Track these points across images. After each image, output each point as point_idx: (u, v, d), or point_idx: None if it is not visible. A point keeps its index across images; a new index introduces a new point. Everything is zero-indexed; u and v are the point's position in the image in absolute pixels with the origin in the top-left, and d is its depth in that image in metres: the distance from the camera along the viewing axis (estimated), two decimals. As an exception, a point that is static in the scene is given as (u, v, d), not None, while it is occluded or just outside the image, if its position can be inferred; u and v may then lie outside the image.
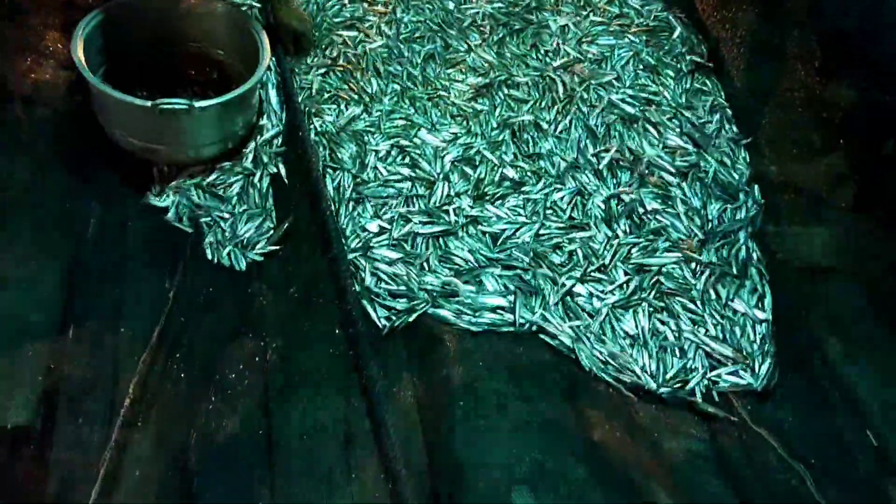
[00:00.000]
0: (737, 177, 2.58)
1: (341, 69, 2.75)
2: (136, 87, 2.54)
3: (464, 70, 2.83)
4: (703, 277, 2.30)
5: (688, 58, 2.94)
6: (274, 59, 2.62)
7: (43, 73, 2.31)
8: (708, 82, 2.88)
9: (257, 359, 1.96)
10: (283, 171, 2.44)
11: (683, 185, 2.53)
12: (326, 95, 2.67)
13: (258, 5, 2.89)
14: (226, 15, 2.53)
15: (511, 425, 1.88)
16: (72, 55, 2.22)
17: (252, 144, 2.49)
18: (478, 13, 3.03)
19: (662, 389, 2.05)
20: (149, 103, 2.17)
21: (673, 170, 2.56)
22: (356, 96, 2.68)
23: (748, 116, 2.70)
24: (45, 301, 1.95)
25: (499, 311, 2.16)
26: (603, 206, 2.45)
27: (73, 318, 1.94)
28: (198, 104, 2.22)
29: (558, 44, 2.94)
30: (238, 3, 2.81)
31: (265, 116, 2.57)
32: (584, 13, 3.08)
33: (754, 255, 2.39)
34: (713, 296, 2.27)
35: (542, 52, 2.92)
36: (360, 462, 1.80)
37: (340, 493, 1.74)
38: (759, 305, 2.27)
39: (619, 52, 2.94)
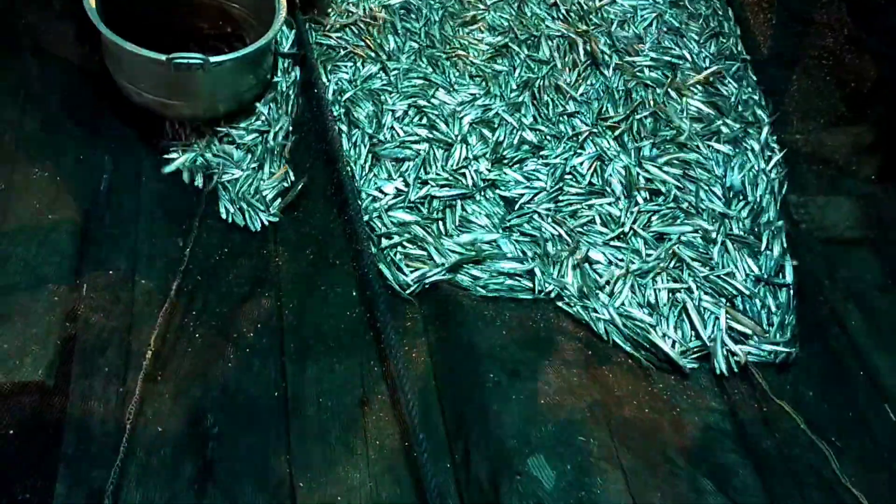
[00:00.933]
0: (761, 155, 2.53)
1: (358, 26, 2.69)
2: (148, 41, 2.50)
3: (483, 29, 2.76)
4: (723, 246, 2.26)
5: (712, 22, 2.87)
6: (289, 15, 2.55)
7: (55, 25, 2.25)
8: (733, 49, 2.81)
9: (273, 319, 1.93)
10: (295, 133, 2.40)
11: (706, 151, 2.48)
12: (343, 53, 2.61)
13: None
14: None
15: (528, 393, 1.86)
16: (83, 5, 2.16)
17: (266, 101, 2.44)
18: (498, -30, 2.95)
19: (682, 360, 2.02)
20: (163, 57, 2.12)
21: (698, 142, 2.51)
22: (373, 54, 2.62)
23: (773, 83, 2.64)
24: (59, 254, 1.92)
25: (516, 277, 2.13)
26: (623, 172, 2.40)
27: (86, 271, 1.91)
28: (213, 59, 2.16)
29: (580, 3, 2.86)
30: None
31: (280, 73, 2.51)
32: (607, -28, 3.00)
33: (778, 224, 2.35)
34: (733, 265, 2.24)
35: (563, 11, 2.85)
36: (376, 425, 1.78)
37: (356, 455, 1.72)
38: (781, 275, 2.24)
39: (642, 14, 2.87)
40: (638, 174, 2.40)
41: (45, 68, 2.19)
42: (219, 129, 2.35)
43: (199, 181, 2.23)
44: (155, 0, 2.46)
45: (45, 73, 2.25)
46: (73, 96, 2.22)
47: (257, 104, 2.42)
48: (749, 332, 2.09)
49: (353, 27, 2.68)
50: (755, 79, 2.72)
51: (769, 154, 2.51)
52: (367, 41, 2.64)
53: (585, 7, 2.85)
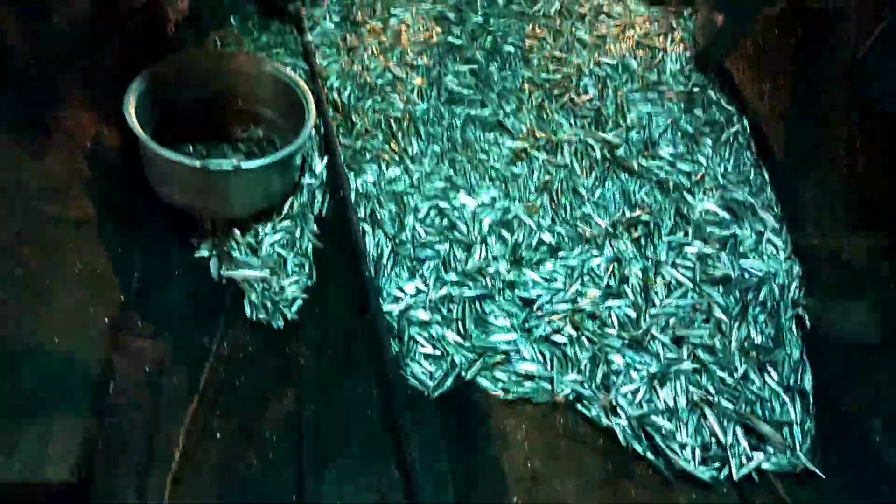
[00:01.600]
0: (777, 251, 2.57)
1: (383, 131, 2.80)
2: (184, 142, 2.63)
3: (503, 133, 2.86)
4: (742, 350, 2.28)
5: (726, 128, 2.96)
6: (319, 119, 2.67)
7: (99, 127, 2.37)
8: (747, 153, 2.88)
9: (294, 421, 1.96)
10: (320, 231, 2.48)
11: (722, 254, 2.52)
12: (368, 156, 2.71)
13: (304, 66, 2.98)
14: (273, 76, 2.59)
15: None
16: (123, 112, 2.28)
17: (294, 202, 2.53)
18: (518, 77, 3.08)
19: (701, 469, 2.01)
20: (198, 163, 2.22)
21: (715, 244, 2.56)
22: (397, 157, 2.72)
23: (787, 188, 2.70)
24: (89, 351, 1.97)
25: (536, 379, 2.15)
26: (640, 275, 2.44)
27: (115, 368, 1.96)
28: (244, 165, 2.26)
29: (599, 110, 2.97)
30: (286, 63, 2.90)
31: (307, 175, 2.61)
32: (623, 79, 3.11)
33: (794, 329, 2.37)
34: (752, 370, 2.24)
35: (581, 117, 2.95)
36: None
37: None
38: (800, 381, 2.24)
39: (657, 119, 2.96)
40: (655, 276, 2.44)
41: (87, 167, 2.29)
42: (247, 228, 2.43)
43: (226, 279, 2.29)
44: (192, 103, 2.60)
45: (87, 172, 2.35)
46: (111, 195, 2.31)
47: (285, 208, 2.50)
48: (769, 439, 2.09)
49: (378, 131, 2.79)
50: (770, 183, 2.78)
51: (786, 258, 2.55)
52: (392, 145, 2.75)
53: (603, 113, 2.95)
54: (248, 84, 2.64)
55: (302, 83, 2.56)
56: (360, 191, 2.60)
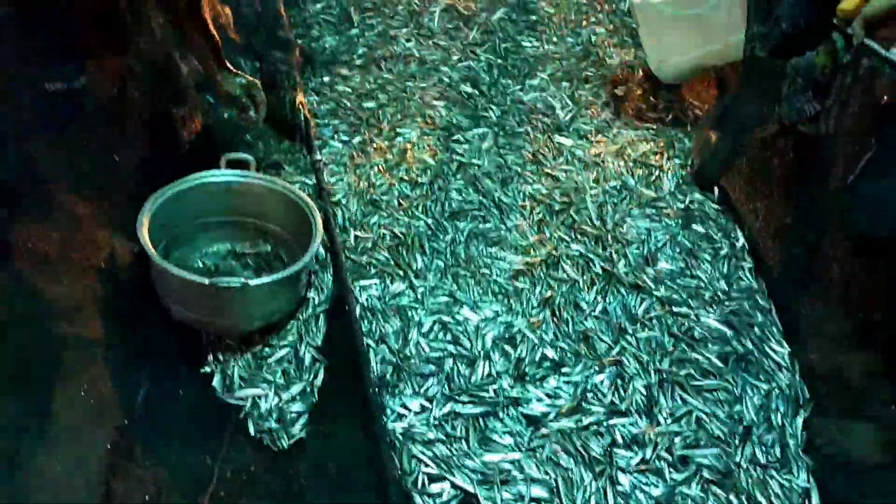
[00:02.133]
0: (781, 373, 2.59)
1: (388, 246, 2.86)
2: (193, 255, 2.69)
3: (505, 248, 2.93)
4: (748, 471, 2.26)
5: (724, 243, 3.02)
6: (326, 235, 2.74)
7: (112, 245, 2.43)
8: (745, 269, 2.94)
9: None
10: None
11: (724, 370, 2.53)
12: (373, 271, 2.77)
13: (311, 182, 3.08)
14: (282, 193, 2.68)
15: None
16: (137, 233, 2.35)
17: (299, 317, 2.56)
18: (519, 193, 3.17)
19: None
20: (206, 281, 2.27)
21: (716, 360, 2.58)
22: (401, 272, 2.77)
23: (786, 306, 2.74)
24: (90, 473, 1.95)
25: (542, 502, 2.13)
26: (644, 392, 2.45)
27: (116, 492, 1.94)
28: (252, 282, 2.31)
29: (598, 226, 3.04)
30: (295, 181, 3.00)
31: (313, 290, 2.66)
32: (622, 195, 3.20)
33: (800, 449, 2.35)
34: (758, 492, 2.22)
35: (581, 233, 3.02)
36: None
37: None
38: (807, 503, 2.22)
39: (656, 235, 3.03)
40: (659, 393, 2.45)
41: (100, 286, 2.33)
42: (253, 344, 2.46)
43: (230, 396, 2.31)
44: (197, 218, 2.68)
45: (100, 290, 2.39)
46: (122, 313, 2.34)
47: (291, 323, 2.54)
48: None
49: (383, 247, 2.86)
50: (768, 299, 2.82)
51: (788, 375, 2.56)
52: (396, 260, 2.81)
53: (603, 229, 3.02)
54: (258, 201, 2.73)
55: (310, 201, 2.64)
56: (365, 305, 2.64)
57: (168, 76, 2.91)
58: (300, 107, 3.32)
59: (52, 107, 2.31)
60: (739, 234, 3.07)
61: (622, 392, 2.46)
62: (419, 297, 2.69)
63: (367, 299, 2.66)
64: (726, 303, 2.78)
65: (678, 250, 2.98)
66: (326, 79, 3.72)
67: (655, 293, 2.78)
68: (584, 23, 4.32)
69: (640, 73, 3.85)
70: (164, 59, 2.92)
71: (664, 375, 2.50)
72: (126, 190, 2.51)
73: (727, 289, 2.85)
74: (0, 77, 2.26)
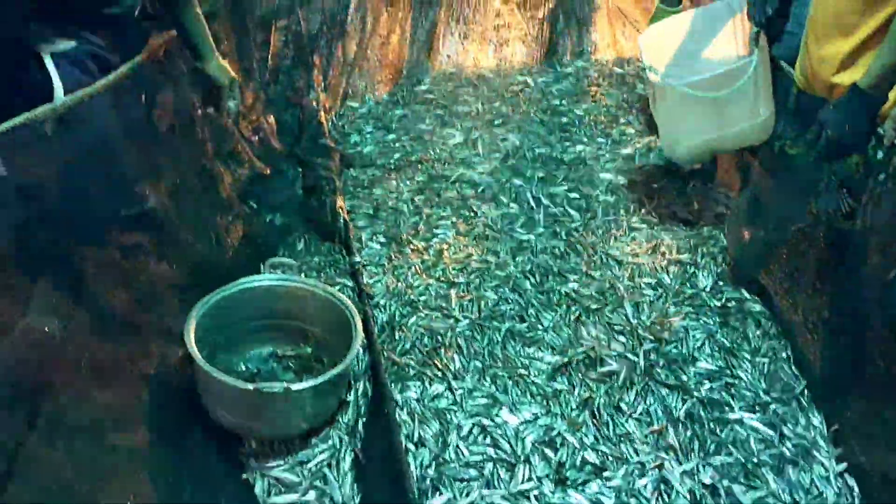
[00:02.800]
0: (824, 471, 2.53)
1: (426, 348, 2.90)
2: (237, 360, 2.75)
3: (543, 348, 2.94)
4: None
5: (763, 341, 3.00)
6: (365, 338, 2.78)
7: (162, 351, 2.50)
8: (786, 367, 2.90)
9: None
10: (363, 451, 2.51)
11: (769, 475, 2.48)
12: (412, 372, 2.79)
13: (350, 284, 3.15)
14: (323, 298, 2.74)
15: None
16: (184, 338, 2.42)
17: (339, 420, 2.58)
18: (555, 292, 3.20)
19: None
20: (249, 386, 2.31)
21: (761, 464, 2.52)
22: (440, 374, 2.79)
23: (831, 405, 2.69)
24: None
25: None
26: (689, 497, 2.40)
27: None
28: (294, 387, 2.35)
29: (635, 325, 3.05)
30: (335, 283, 3.08)
31: (353, 393, 2.68)
32: (658, 293, 3.21)
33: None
34: None
35: (618, 332, 3.03)
36: None
37: None
38: None
39: (694, 333, 3.02)
40: (703, 499, 2.39)
41: (148, 394, 2.39)
42: (294, 448, 2.48)
43: (273, 500, 2.31)
44: (241, 323, 2.75)
45: (147, 398, 2.44)
46: (168, 420, 2.38)
47: (331, 426, 2.56)
48: None
49: (422, 349, 2.89)
50: (811, 398, 2.77)
51: (835, 477, 2.49)
52: (435, 362, 2.83)
53: (640, 328, 3.02)
54: (300, 304, 2.79)
55: (349, 303, 2.70)
56: (404, 408, 2.65)
57: (215, 187, 3.04)
58: (340, 210, 3.44)
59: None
60: (779, 330, 3.04)
61: (665, 497, 2.41)
62: (458, 398, 2.70)
63: (405, 402, 2.67)
64: (769, 403, 2.74)
65: (717, 349, 2.97)
66: (365, 182, 3.85)
67: (696, 394, 2.76)
68: (614, 124, 4.45)
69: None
70: (209, 169, 3.07)
71: (708, 480, 2.45)
72: (175, 296, 2.60)
73: (768, 388, 2.81)
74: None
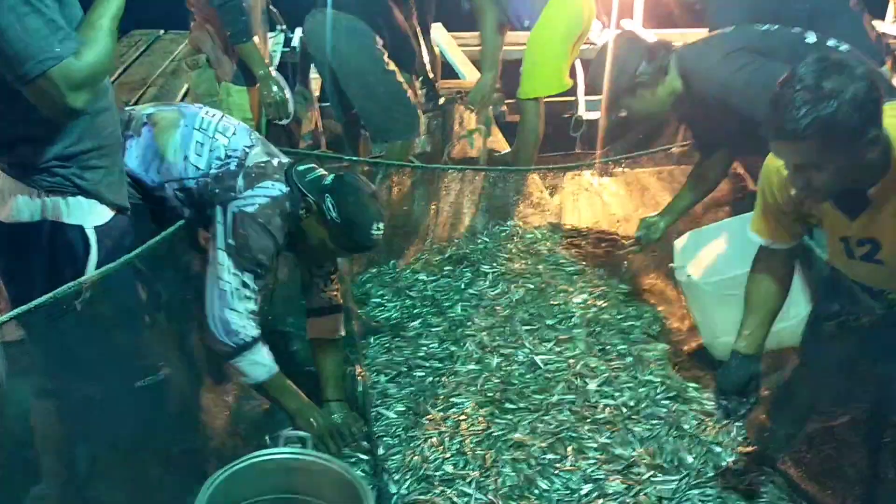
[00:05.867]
0: None
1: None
2: None
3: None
4: None
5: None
6: None
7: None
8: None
9: None
10: None
11: None
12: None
13: (366, 458, 3.11)
14: (337, 473, 2.70)
15: None
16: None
17: None
18: (573, 473, 3.10)
19: None
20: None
21: None
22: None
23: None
24: None
25: None
26: None
27: None
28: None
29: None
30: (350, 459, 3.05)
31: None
32: (680, 474, 3.11)
33: None
34: None
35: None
36: None
37: None
38: None
39: None
40: None
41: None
42: None
43: None
44: (251, 497, 2.70)
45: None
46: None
47: None
48: None
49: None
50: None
51: None
52: None
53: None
54: (313, 480, 2.75)
55: (363, 483, 2.64)
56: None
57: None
58: (360, 378, 3.44)
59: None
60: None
61: None
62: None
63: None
64: None
65: (743, 536, 2.85)
66: (383, 349, 3.85)
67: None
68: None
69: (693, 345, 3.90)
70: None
71: None
72: (184, 473, 2.59)
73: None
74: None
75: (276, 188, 2.96)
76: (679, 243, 3.90)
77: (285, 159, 3.16)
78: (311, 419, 3.11)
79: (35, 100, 2.14)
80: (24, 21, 2.04)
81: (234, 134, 3.08)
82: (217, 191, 2.92)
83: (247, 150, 3.03)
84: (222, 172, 2.95)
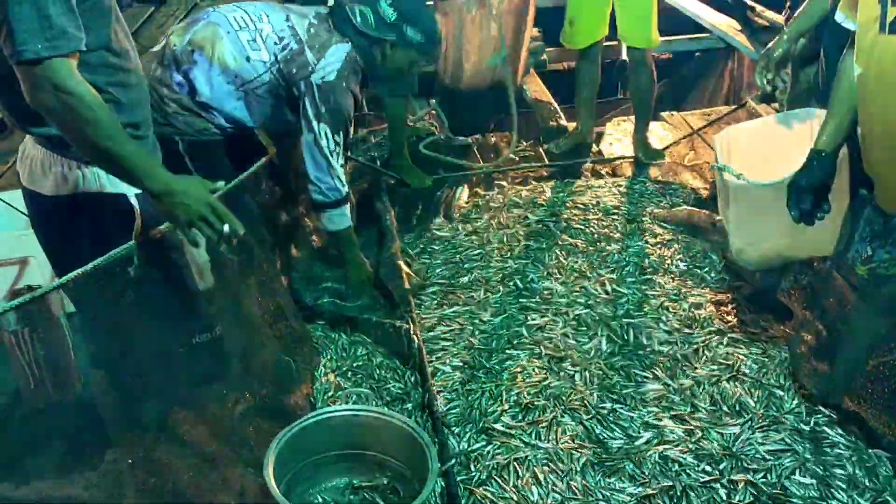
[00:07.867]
0: None
1: (502, 477, 2.85)
2: (314, 490, 2.77)
3: (624, 479, 2.85)
4: None
5: (858, 468, 2.85)
6: (441, 468, 2.74)
7: (241, 483, 2.53)
8: (887, 493, 2.74)
9: None
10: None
11: None
12: (488, 503, 2.74)
13: (425, 414, 3.14)
14: (400, 430, 2.74)
15: None
16: (264, 473, 2.44)
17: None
18: (630, 419, 3.11)
19: None
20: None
21: None
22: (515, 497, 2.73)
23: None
24: None
25: None
26: None
27: None
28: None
29: (719, 452, 2.94)
30: (411, 412, 3.09)
31: (429, 515, 2.63)
32: (743, 418, 3.09)
33: None
34: None
35: (704, 458, 2.91)
36: None
37: None
38: None
39: (784, 461, 2.88)
40: None
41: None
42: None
43: None
44: (318, 453, 2.76)
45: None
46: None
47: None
48: None
49: (498, 478, 2.84)
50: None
51: None
52: (512, 493, 2.77)
53: (726, 456, 2.90)
54: (376, 434, 2.80)
55: (425, 435, 2.69)
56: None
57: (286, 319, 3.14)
58: (414, 336, 3.46)
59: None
60: (874, 454, 2.89)
61: None
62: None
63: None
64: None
65: (808, 477, 2.82)
66: (437, 305, 3.85)
67: (792, 528, 2.61)
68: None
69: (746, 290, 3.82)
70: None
71: None
72: (256, 427, 2.65)
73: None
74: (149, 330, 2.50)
75: (342, 49, 3.27)
76: (720, 140, 3.62)
77: (318, 8, 3.43)
78: (361, 272, 3.80)
79: (21, 79, 2.04)
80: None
81: (268, 15, 3.27)
82: (294, 70, 3.23)
83: (290, 25, 3.27)
84: (289, 55, 3.23)
